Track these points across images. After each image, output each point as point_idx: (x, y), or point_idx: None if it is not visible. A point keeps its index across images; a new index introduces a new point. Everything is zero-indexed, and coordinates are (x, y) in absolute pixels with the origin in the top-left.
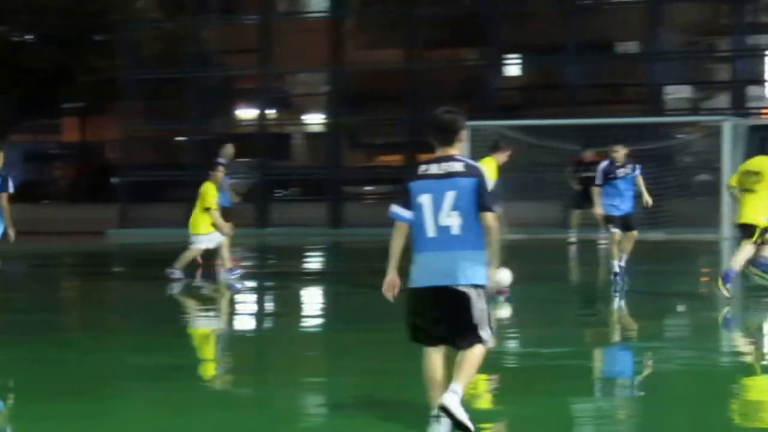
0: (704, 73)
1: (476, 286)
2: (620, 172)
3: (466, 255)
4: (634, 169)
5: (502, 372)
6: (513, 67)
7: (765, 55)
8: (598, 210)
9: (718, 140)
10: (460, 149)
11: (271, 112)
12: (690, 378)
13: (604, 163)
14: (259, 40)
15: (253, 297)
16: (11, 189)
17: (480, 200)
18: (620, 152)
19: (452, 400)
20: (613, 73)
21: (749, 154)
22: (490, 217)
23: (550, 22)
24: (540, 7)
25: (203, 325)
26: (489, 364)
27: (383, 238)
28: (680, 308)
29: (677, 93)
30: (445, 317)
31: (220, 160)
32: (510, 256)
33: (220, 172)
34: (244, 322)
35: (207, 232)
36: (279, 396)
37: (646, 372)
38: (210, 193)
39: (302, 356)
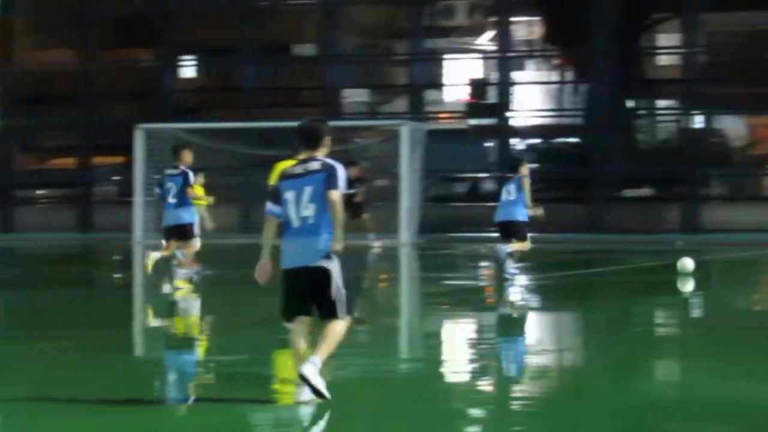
0: (382, 76)
1: (331, 262)
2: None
3: (321, 239)
4: None
5: (179, 380)
6: (189, 69)
7: (442, 59)
8: None
9: (396, 144)
10: (324, 152)
11: None
12: (368, 385)
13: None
14: None
15: None
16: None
17: (327, 183)
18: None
19: (310, 370)
20: (291, 76)
21: (427, 158)
22: (334, 194)
23: (226, 23)
24: (215, 8)
25: None
26: (163, 371)
27: (56, 243)
28: (358, 314)
29: (355, 96)
30: (309, 292)
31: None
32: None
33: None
34: None
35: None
36: None
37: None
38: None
39: None
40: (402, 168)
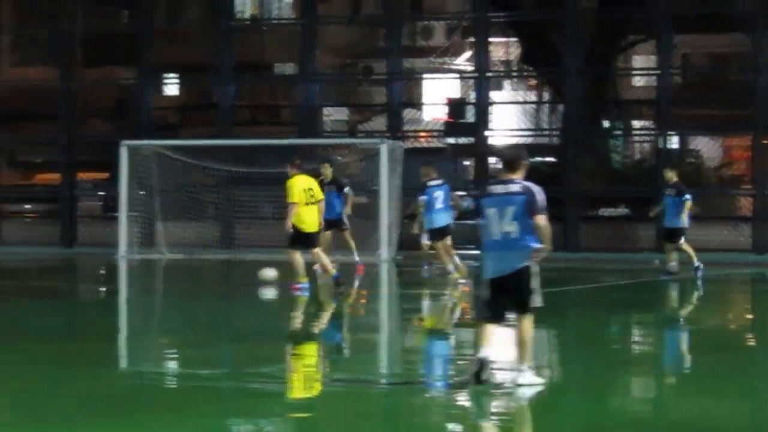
0: (361, 95)
1: (530, 263)
2: None
3: (522, 252)
4: None
5: (160, 393)
6: (169, 87)
7: (420, 79)
8: None
9: (375, 163)
10: (521, 174)
11: None
12: (346, 399)
13: None
14: None
15: None
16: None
17: (531, 208)
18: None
19: (524, 377)
20: (270, 94)
21: (406, 176)
22: (540, 219)
23: (206, 42)
24: (196, 27)
25: None
26: (145, 384)
27: (39, 257)
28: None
29: (334, 115)
30: (509, 294)
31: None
32: (169, 275)
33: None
34: None
35: None
36: None
37: (305, 391)
38: None
39: None
40: (381, 186)
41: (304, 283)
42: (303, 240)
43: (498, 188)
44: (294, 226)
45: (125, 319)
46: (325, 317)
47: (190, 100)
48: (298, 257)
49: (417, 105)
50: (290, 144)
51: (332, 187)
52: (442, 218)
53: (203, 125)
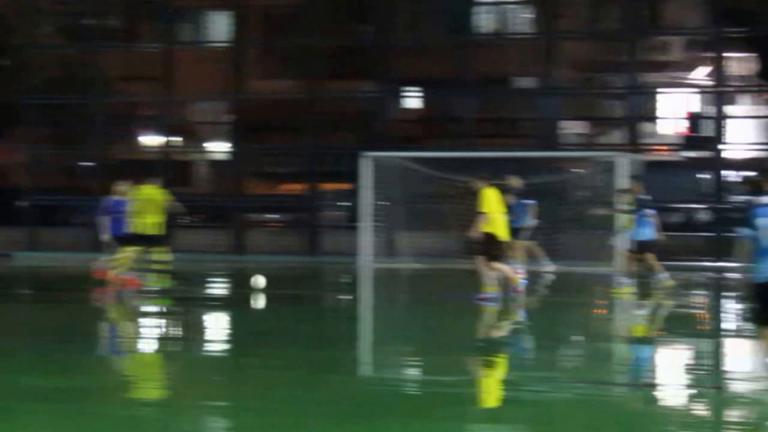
0: (598, 109)
1: None
2: None
3: None
4: None
5: (398, 398)
6: (409, 100)
7: (656, 92)
8: None
9: (611, 175)
10: None
11: (172, 140)
12: (584, 408)
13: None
14: (161, 67)
15: (158, 321)
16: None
17: None
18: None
19: None
20: (509, 108)
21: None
22: None
23: (446, 56)
24: (436, 41)
25: (107, 347)
26: (385, 390)
27: (285, 265)
28: (574, 339)
29: (572, 128)
30: None
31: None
32: (411, 283)
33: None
34: (149, 345)
35: None
36: (180, 420)
37: (541, 401)
38: None
39: (206, 380)
40: (617, 198)
41: (492, 293)
42: (496, 248)
43: None
44: (488, 234)
45: (367, 326)
46: (555, 323)
47: (430, 112)
48: (498, 266)
49: (653, 118)
50: (529, 156)
51: (519, 198)
52: (648, 231)
53: (444, 137)
